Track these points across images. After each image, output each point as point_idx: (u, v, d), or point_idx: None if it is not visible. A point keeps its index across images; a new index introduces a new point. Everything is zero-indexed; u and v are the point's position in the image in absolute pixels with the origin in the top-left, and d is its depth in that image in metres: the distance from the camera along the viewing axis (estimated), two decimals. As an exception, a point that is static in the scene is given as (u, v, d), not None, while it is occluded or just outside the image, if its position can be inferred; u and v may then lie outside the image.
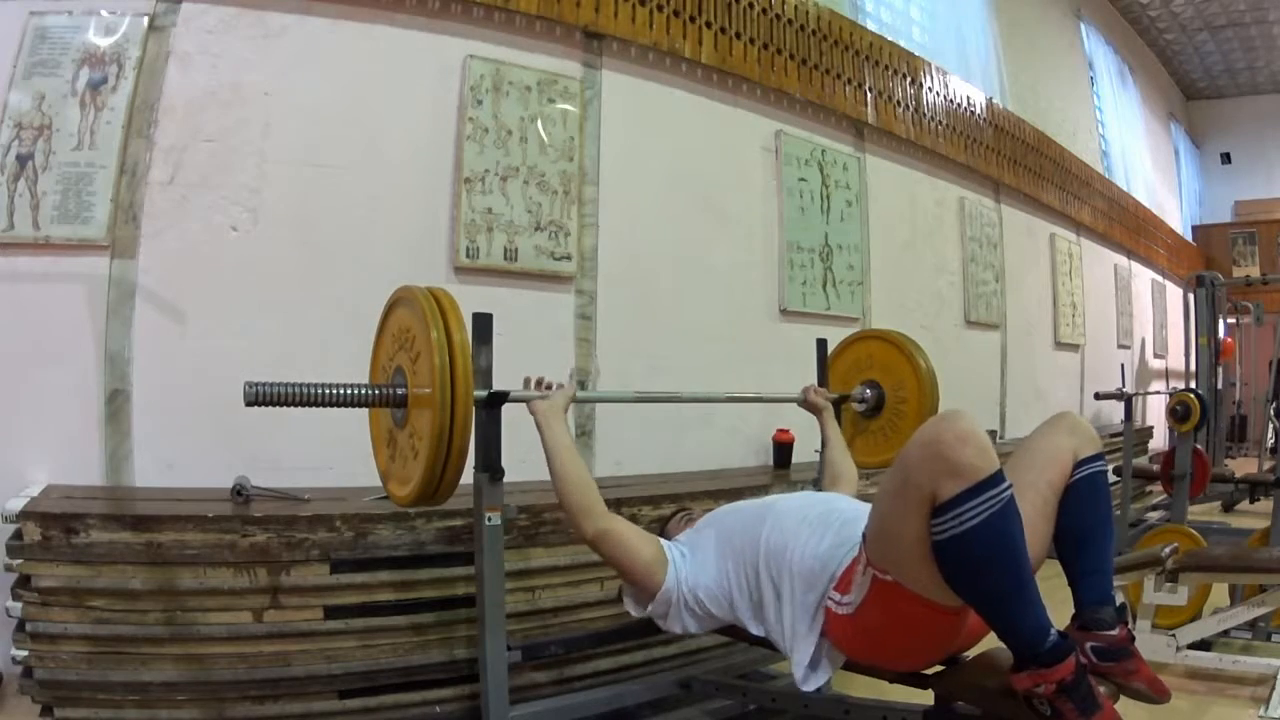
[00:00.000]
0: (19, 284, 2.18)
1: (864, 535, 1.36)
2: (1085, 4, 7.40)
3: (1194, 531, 3.08)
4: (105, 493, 2.14)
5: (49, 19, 2.24)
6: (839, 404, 2.37)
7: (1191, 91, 10.75)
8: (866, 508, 1.62)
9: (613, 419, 3.02)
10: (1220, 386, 7.11)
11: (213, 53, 2.39)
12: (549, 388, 1.81)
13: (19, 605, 1.76)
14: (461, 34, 2.78)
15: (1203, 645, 2.58)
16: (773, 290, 3.65)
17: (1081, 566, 1.44)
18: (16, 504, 1.81)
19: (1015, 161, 5.43)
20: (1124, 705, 1.30)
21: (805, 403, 2.32)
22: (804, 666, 1.48)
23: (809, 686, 1.49)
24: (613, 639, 2.28)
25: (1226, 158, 10.95)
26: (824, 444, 2.26)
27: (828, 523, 1.55)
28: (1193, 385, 6.67)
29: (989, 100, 5.23)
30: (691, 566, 1.65)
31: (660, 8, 3.20)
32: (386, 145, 2.63)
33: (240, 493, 2.07)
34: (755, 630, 1.59)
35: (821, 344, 2.49)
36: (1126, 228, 7.39)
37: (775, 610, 1.53)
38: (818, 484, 2.35)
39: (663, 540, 1.71)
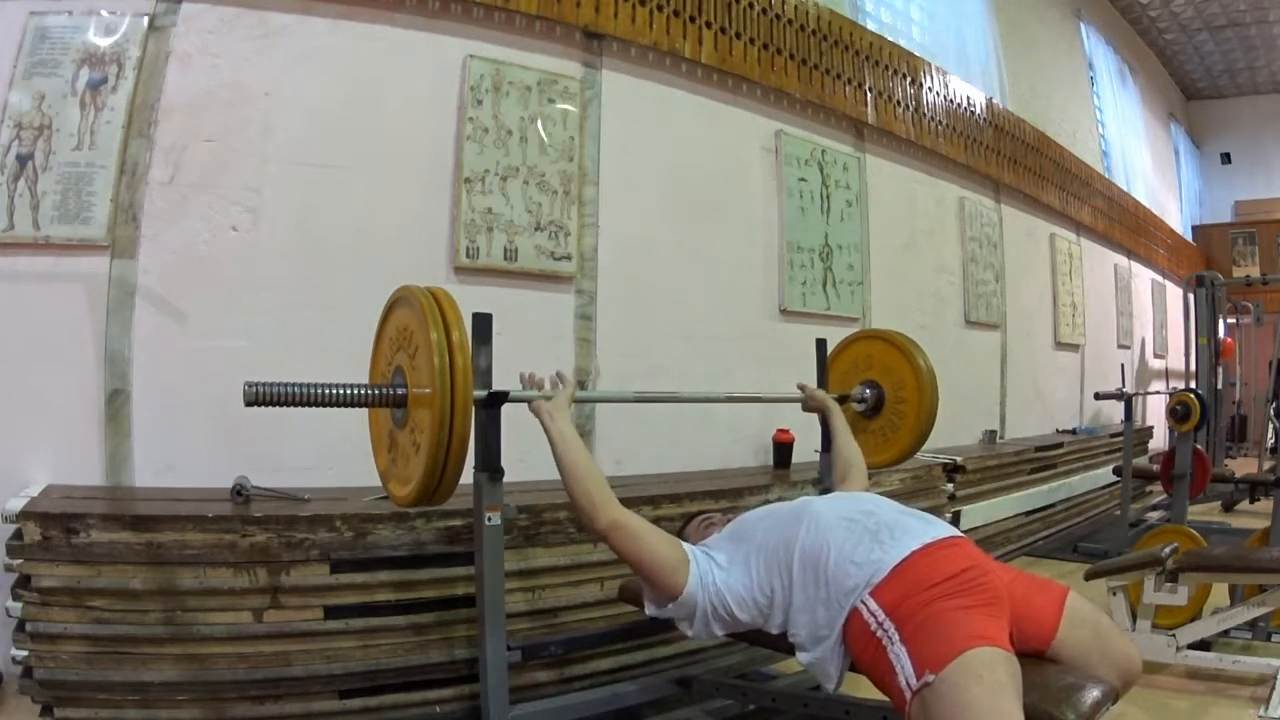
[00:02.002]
0: (19, 284, 2.18)
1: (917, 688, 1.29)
2: (1085, 4, 7.40)
3: (1194, 531, 3.07)
4: (105, 493, 2.14)
5: (49, 19, 2.24)
6: (839, 404, 2.36)
7: (1191, 91, 10.75)
8: (901, 509, 1.63)
9: (613, 419, 3.02)
10: (1220, 386, 7.11)
11: (213, 53, 2.39)
12: (559, 379, 1.78)
13: (19, 605, 1.76)
14: (461, 34, 2.78)
15: (1203, 645, 2.58)
16: (773, 290, 3.65)
17: None
18: (16, 504, 1.81)
19: (1015, 161, 5.43)
20: (1124, 704, 1.30)
21: (808, 403, 2.30)
22: (830, 666, 1.49)
23: (832, 683, 1.50)
24: (613, 639, 2.29)
25: (1226, 158, 10.95)
26: (832, 438, 2.22)
27: (865, 526, 1.53)
28: (1193, 385, 6.67)
29: (989, 100, 5.23)
30: (721, 572, 1.60)
31: (660, 8, 3.20)
32: (386, 145, 2.63)
33: (240, 493, 2.07)
34: (778, 632, 1.58)
35: (821, 344, 2.49)
36: (1126, 228, 7.38)
37: (808, 614, 1.51)
38: (819, 483, 2.35)
39: (685, 544, 1.67)
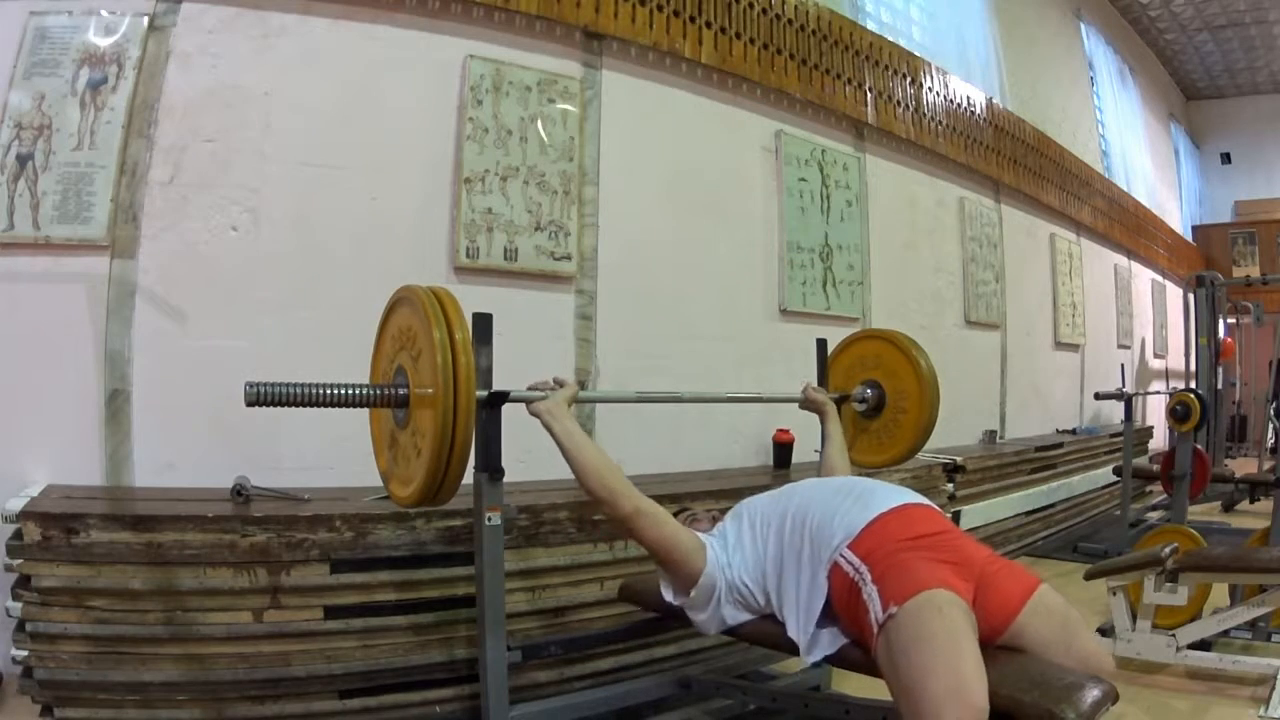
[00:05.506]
0: (19, 284, 2.18)
1: (883, 620, 1.35)
2: (1085, 4, 7.41)
3: (1194, 531, 3.07)
4: (105, 493, 2.14)
5: (49, 19, 2.24)
6: (839, 404, 2.36)
7: (1191, 91, 10.76)
8: (882, 484, 1.72)
9: (613, 419, 3.02)
10: (1220, 386, 7.11)
11: (213, 53, 2.38)
12: (556, 383, 1.80)
13: (19, 605, 1.76)
14: (461, 34, 2.77)
15: (1203, 645, 2.58)
16: (773, 290, 3.65)
17: None
18: (16, 504, 1.81)
19: (1015, 161, 5.43)
20: (1124, 704, 1.30)
21: (806, 402, 2.31)
22: (809, 631, 1.53)
23: (812, 657, 1.54)
24: (613, 639, 2.28)
25: (1226, 158, 10.95)
26: (824, 441, 2.25)
27: (847, 493, 1.64)
28: (1193, 385, 6.67)
29: (989, 100, 5.23)
30: (731, 553, 1.70)
31: (660, 8, 3.20)
32: (386, 145, 2.63)
33: (240, 493, 2.07)
34: (776, 606, 1.63)
35: (821, 344, 2.49)
36: (1126, 228, 7.38)
37: (794, 577, 1.59)
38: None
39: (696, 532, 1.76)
